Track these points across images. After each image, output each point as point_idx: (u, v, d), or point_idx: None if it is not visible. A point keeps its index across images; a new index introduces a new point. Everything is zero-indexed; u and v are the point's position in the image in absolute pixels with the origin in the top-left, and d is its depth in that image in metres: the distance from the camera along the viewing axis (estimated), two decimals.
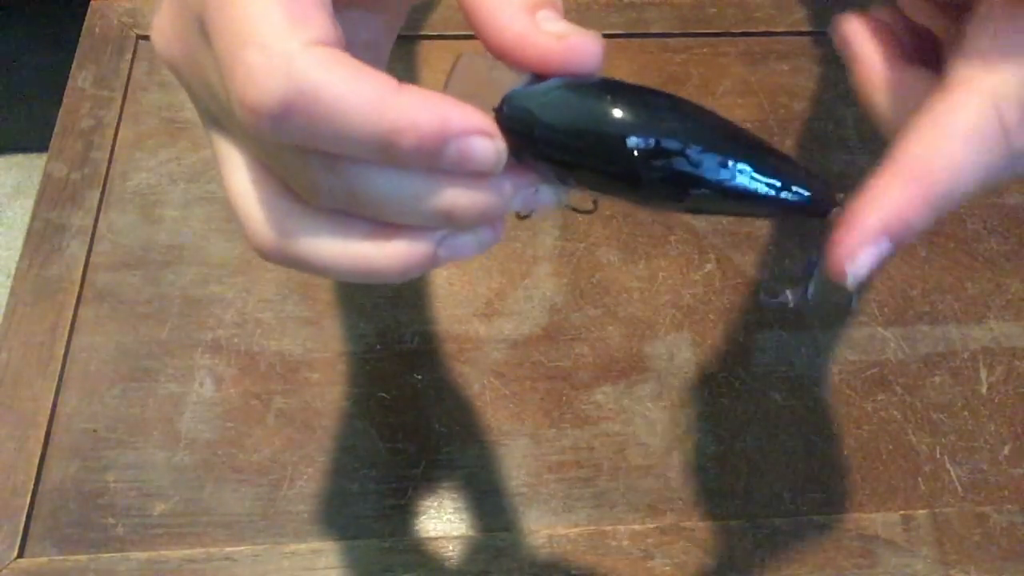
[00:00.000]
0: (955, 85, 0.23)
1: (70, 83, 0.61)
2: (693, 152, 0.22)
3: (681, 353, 0.52)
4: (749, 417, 0.50)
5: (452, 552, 0.45)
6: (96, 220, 0.55)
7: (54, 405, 0.48)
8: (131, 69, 0.62)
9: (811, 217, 0.24)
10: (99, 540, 0.45)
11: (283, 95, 0.18)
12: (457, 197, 0.20)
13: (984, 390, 0.52)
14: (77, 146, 0.58)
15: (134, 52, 0.63)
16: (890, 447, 0.50)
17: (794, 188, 0.24)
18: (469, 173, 0.20)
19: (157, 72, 0.63)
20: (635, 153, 0.21)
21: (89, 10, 0.65)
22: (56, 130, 0.59)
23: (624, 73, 0.65)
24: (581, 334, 0.52)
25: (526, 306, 0.53)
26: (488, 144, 0.20)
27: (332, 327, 0.52)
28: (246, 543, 0.45)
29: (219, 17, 0.19)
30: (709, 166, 0.22)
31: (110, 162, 0.58)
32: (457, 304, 0.53)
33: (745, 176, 0.22)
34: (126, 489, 0.46)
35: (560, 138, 0.21)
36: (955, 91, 0.23)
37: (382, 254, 0.20)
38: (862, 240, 0.23)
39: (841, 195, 0.25)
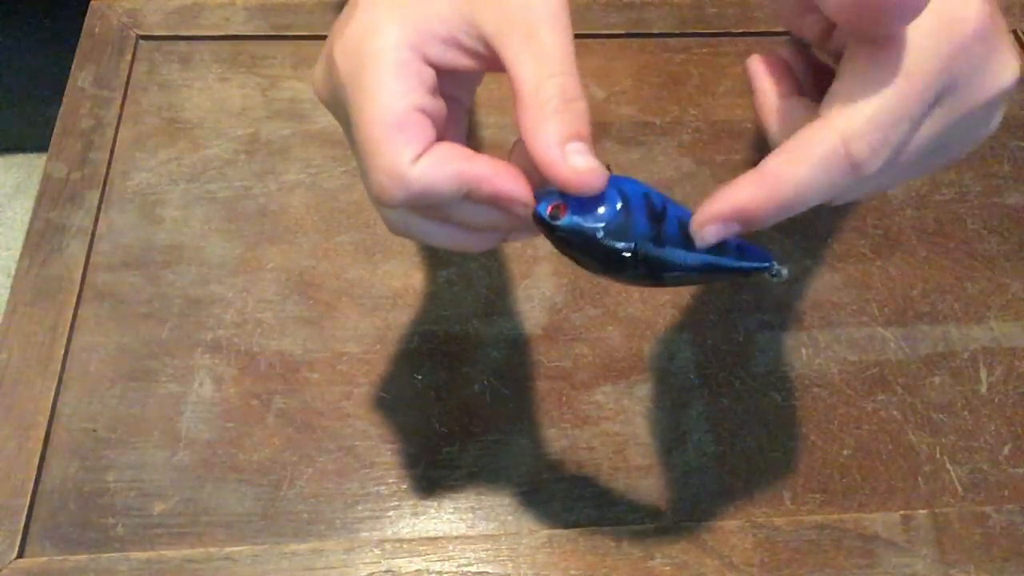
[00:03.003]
0: (819, 119, 0.28)
1: (70, 83, 0.61)
2: (664, 254, 0.30)
3: (681, 353, 0.52)
4: (749, 417, 0.50)
5: (452, 552, 0.45)
6: (96, 220, 0.55)
7: (54, 405, 0.48)
8: (131, 69, 0.62)
9: (755, 276, 0.32)
10: (99, 540, 0.45)
11: (403, 200, 0.28)
12: (485, 237, 0.32)
13: (984, 390, 0.52)
14: (77, 146, 0.58)
15: (134, 52, 0.63)
16: (890, 447, 0.50)
17: (743, 262, 0.31)
18: (511, 214, 0.30)
19: (157, 72, 0.63)
20: (623, 255, 0.29)
21: (89, 10, 0.65)
22: (56, 130, 0.59)
23: (624, 73, 0.65)
24: (581, 334, 0.52)
25: (526, 306, 0.53)
26: (525, 208, 0.29)
27: (332, 327, 0.52)
28: (246, 543, 0.45)
29: (356, 128, 0.28)
30: (677, 261, 0.30)
31: (110, 162, 0.58)
32: (457, 304, 0.53)
33: (701, 261, 0.30)
34: (126, 489, 0.46)
35: (586, 260, 0.30)
36: (816, 124, 0.28)
37: (468, 240, 0.32)
38: (713, 219, 0.29)
39: (777, 266, 0.32)
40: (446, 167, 0.27)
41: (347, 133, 0.30)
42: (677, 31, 0.68)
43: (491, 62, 0.28)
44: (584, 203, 0.29)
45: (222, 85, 0.62)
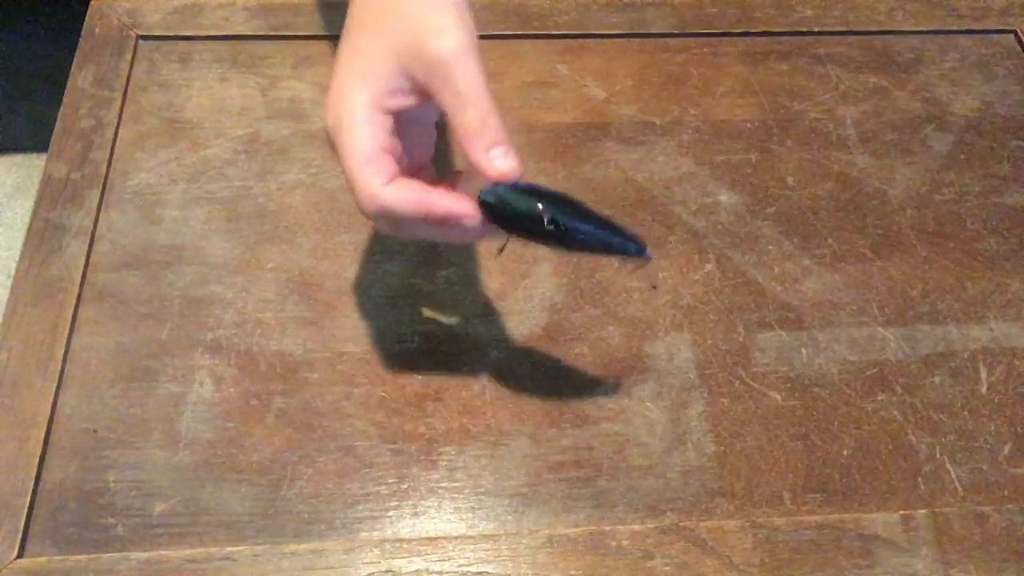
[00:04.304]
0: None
1: (70, 83, 0.61)
2: (575, 223, 0.39)
3: (681, 353, 0.52)
4: (749, 417, 0.50)
5: (452, 552, 0.45)
6: (96, 220, 0.55)
7: (54, 405, 0.48)
8: (131, 69, 0.62)
9: (634, 258, 0.41)
10: (99, 540, 0.45)
11: (377, 211, 0.38)
12: (457, 236, 0.40)
13: (984, 390, 0.52)
14: (77, 146, 0.58)
15: (134, 52, 0.63)
16: (890, 447, 0.50)
17: (626, 241, 0.40)
18: (463, 228, 0.39)
19: (157, 72, 0.63)
20: (546, 224, 0.39)
21: (89, 10, 0.65)
22: (56, 130, 0.59)
23: (624, 73, 0.65)
24: (581, 334, 0.52)
25: (526, 306, 0.53)
26: (472, 220, 0.38)
27: (332, 327, 0.52)
28: (246, 543, 0.45)
29: (342, 168, 0.38)
30: (583, 229, 0.39)
31: (110, 162, 0.58)
32: (457, 304, 0.53)
33: (599, 234, 0.40)
34: (126, 489, 0.46)
35: (506, 219, 0.39)
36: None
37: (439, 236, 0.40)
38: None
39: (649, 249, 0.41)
40: (408, 194, 0.37)
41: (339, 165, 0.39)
42: (677, 31, 0.68)
43: (428, 95, 0.38)
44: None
45: (222, 85, 0.62)
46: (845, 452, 0.50)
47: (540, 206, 0.39)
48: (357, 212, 0.56)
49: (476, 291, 0.54)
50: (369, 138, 0.37)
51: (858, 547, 0.46)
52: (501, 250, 0.46)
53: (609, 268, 0.56)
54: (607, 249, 0.40)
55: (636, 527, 0.46)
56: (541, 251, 0.55)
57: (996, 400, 0.52)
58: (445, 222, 0.38)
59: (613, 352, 0.52)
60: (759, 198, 0.59)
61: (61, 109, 0.60)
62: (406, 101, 0.38)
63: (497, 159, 0.37)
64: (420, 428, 0.49)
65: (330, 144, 0.39)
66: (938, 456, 0.50)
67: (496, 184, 0.38)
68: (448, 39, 0.36)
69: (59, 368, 0.49)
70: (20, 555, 0.44)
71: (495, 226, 0.39)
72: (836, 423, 0.50)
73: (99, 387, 0.49)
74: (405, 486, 0.47)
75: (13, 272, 0.53)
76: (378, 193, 0.37)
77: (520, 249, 0.56)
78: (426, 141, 0.44)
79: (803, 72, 0.66)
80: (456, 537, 0.46)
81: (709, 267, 0.56)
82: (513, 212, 0.39)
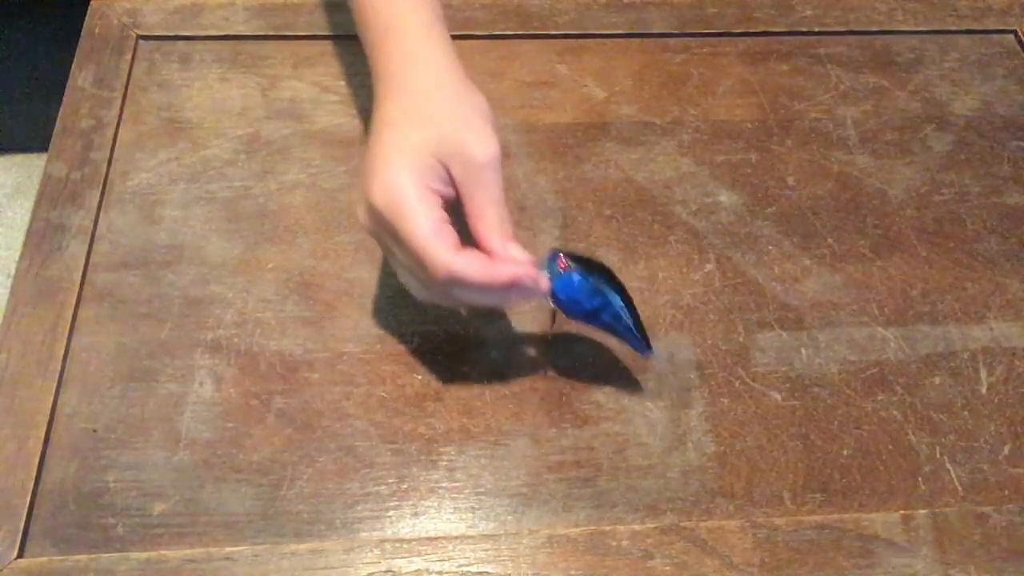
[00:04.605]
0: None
1: (70, 83, 0.61)
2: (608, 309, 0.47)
3: (681, 353, 0.52)
4: (749, 417, 0.50)
5: (452, 552, 0.45)
6: (96, 220, 0.55)
7: (54, 405, 0.48)
8: (131, 69, 0.62)
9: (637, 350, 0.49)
10: (99, 540, 0.45)
11: (448, 280, 0.41)
12: (514, 298, 0.48)
13: (984, 390, 0.52)
14: (77, 146, 0.58)
15: (134, 52, 0.63)
16: (890, 447, 0.50)
17: (640, 333, 0.48)
18: (526, 289, 0.43)
19: (157, 72, 0.63)
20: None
21: (89, 10, 0.65)
22: (56, 130, 0.59)
23: (624, 73, 0.65)
24: (581, 334, 0.52)
25: (526, 306, 0.53)
26: (539, 281, 0.44)
27: (332, 327, 0.52)
28: (246, 543, 0.45)
29: (406, 242, 0.41)
30: (619, 327, 0.48)
31: (110, 162, 0.58)
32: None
33: (628, 333, 0.48)
34: (126, 489, 0.46)
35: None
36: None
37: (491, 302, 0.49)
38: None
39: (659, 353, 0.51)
40: (475, 262, 0.41)
41: (390, 248, 0.44)
42: (677, 31, 0.68)
43: (456, 188, 0.43)
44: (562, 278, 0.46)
45: (222, 85, 0.62)
46: (845, 452, 0.50)
47: (601, 301, 0.47)
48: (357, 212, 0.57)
49: None
50: (430, 214, 0.41)
51: (858, 547, 0.46)
52: (553, 321, 0.51)
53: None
54: (625, 335, 0.48)
55: (636, 527, 0.46)
56: (541, 251, 0.55)
57: (996, 400, 0.52)
58: (510, 287, 0.42)
59: (613, 352, 0.52)
60: (759, 198, 0.59)
61: (61, 109, 0.60)
62: (442, 190, 0.42)
63: (513, 250, 0.43)
64: (420, 428, 0.49)
65: (377, 230, 0.43)
66: (938, 456, 0.50)
67: (551, 263, 0.46)
68: (488, 148, 0.42)
69: (59, 368, 0.49)
70: (20, 555, 0.44)
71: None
72: (836, 423, 0.50)
73: (99, 387, 0.49)
74: (405, 486, 0.47)
75: (13, 272, 0.53)
76: (450, 262, 0.41)
77: None
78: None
79: (803, 72, 0.66)
80: (456, 537, 0.46)
81: (709, 267, 0.56)
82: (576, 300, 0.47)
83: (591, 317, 0.47)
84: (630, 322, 0.47)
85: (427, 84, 0.44)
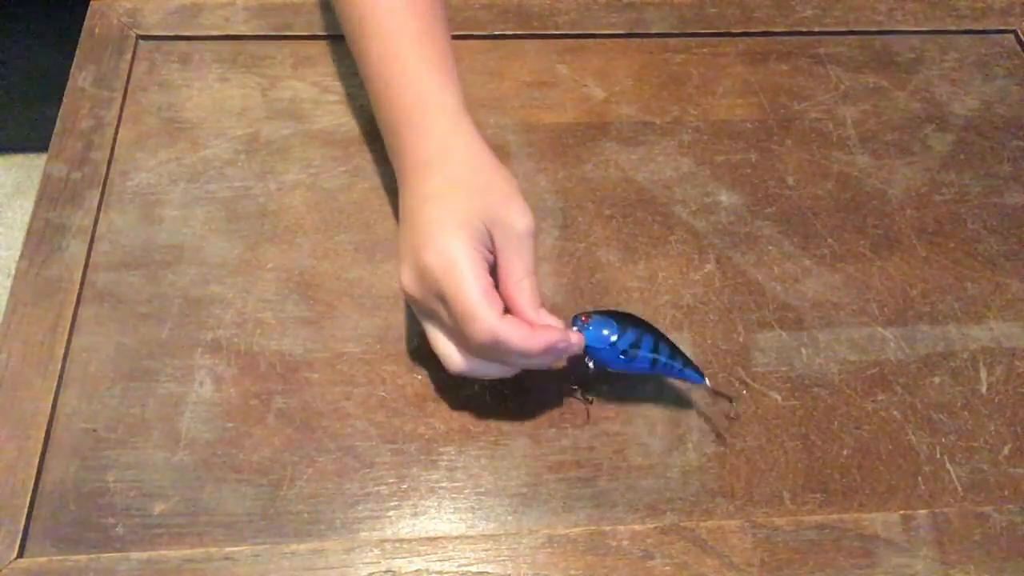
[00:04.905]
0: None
1: (70, 83, 0.61)
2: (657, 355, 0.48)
3: None
4: (749, 417, 0.50)
5: (452, 552, 0.45)
6: (96, 220, 0.55)
7: (54, 405, 0.48)
8: (131, 69, 0.62)
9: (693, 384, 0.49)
10: (99, 540, 0.45)
11: (491, 341, 0.43)
12: (548, 361, 0.46)
13: (984, 390, 0.52)
14: (77, 146, 0.58)
15: (134, 52, 0.63)
16: (890, 447, 0.50)
17: (694, 370, 0.49)
18: (561, 352, 0.46)
19: (157, 72, 0.63)
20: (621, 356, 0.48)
21: (89, 10, 0.65)
22: (56, 130, 0.59)
23: (624, 73, 0.65)
24: None
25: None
26: (575, 345, 0.47)
27: (332, 327, 0.52)
28: (246, 543, 0.45)
29: (456, 302, 0.43)
30: (661, 358, 0.49)
31: (110, 162, 0.58)
32: None
33: (672, 363, 0.49)
34: (126, 489, 0.46)
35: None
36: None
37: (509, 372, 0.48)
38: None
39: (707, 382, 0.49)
40: (517, 327, 0.44)
41: (435, 312, 0.45)
42: (677, 31, 0.68)
43: (495, 254, 0.46)
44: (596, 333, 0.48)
45: (222, 85, 0.62)
46: (845, 452, 0.50)
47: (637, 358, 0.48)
48: (357, 212, 0.57)
49: None
50: (481, 277, 0.44)
51: (858, 547, 0.46)
52: (588, 400, 0.51)
53: (609, 268, 0.56)
54: (677, 377, 0.49)
55: (636, 527, 0.46)
56: (541, 250, 0.56)
57: (996, 400, 0.52)
58: (547, 352, 0.45)
59: None
60: (759, 198, 0.59)
61: (61, 109, 0.60)
62: (487, 255, 0.45)
63: (544, 316, 0.46)
64: (420, 428, 0.49)
65: (423, 295, 0.45)
66: (938, 456, 0.50)
67: (582, 328, 0.48)
68: (528, 219, 0.46)
69: (59, 368, 0.49)
70: (20, 555, 0.44)
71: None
72: (836, 423, 0.50)
73: (99, 387, 0.49)
74: (405, 486, 0.47)
75: (13, 272, 0.53)
76: (496, 326, 0.43)
77: None
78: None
79: (803, 72, 0.66)
80: (456, 537, 0.46)
81: (709, 267, 0.56)
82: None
83: (631, 357, 0.48)
84: (671, 351, 0.48)
85: (469, 160, 0.48)
